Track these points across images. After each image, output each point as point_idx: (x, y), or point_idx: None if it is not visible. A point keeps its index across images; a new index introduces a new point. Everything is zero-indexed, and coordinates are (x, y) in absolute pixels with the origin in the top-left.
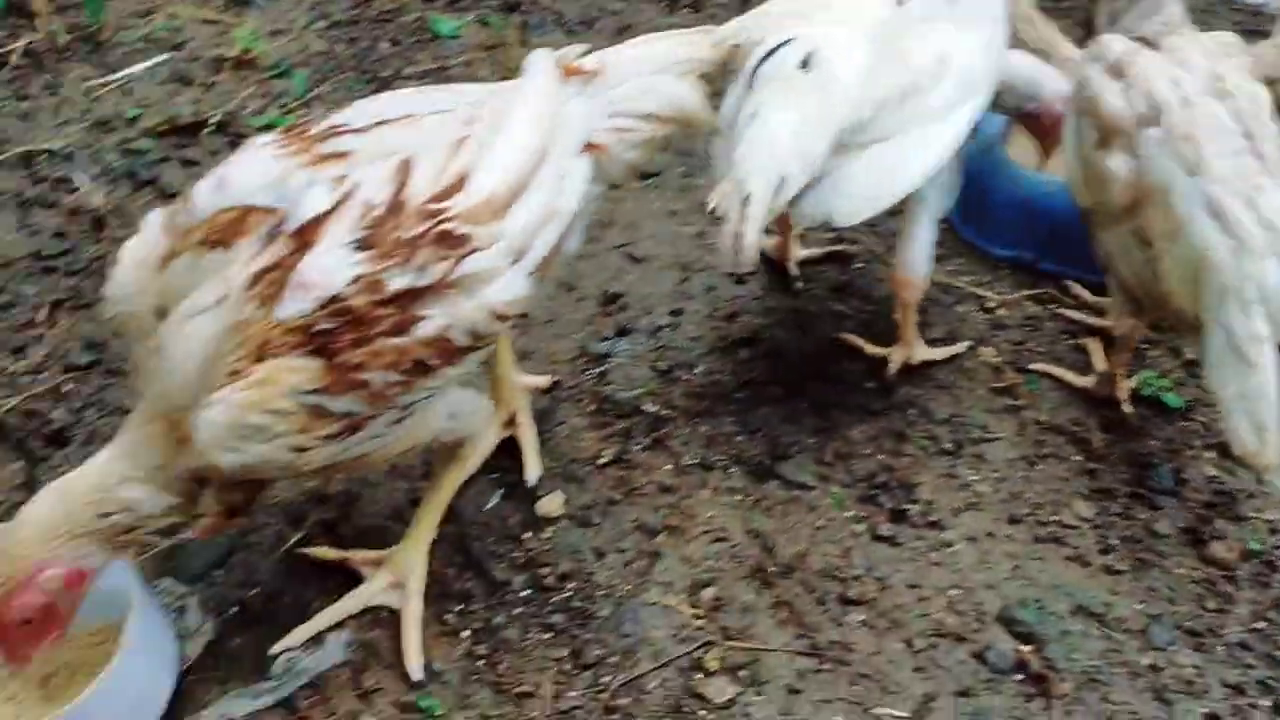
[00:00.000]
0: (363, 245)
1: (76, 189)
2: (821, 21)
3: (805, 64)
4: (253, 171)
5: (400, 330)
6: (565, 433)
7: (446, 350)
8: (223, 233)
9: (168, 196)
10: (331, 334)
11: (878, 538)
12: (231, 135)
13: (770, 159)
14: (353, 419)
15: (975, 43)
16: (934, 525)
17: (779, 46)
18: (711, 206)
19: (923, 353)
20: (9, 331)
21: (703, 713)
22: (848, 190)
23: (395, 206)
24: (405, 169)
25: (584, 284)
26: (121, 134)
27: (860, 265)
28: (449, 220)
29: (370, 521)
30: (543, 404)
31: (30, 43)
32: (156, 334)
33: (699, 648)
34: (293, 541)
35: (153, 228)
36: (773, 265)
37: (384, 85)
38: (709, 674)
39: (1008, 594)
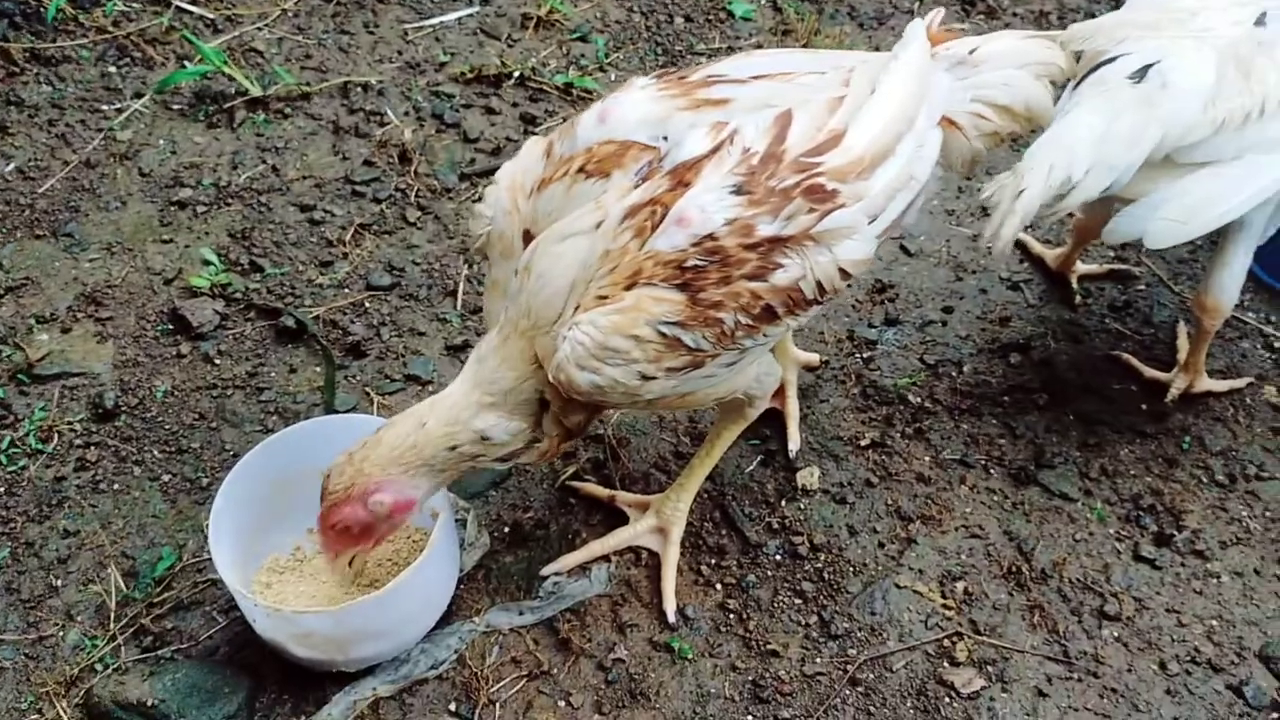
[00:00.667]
0: (739, 190)
1: (387, 122)
2: (1173, 35)
3: (1139, 76)
4: (635, 109)
5: (759, 275)
6: (827, 411)
7: (794, 300)
8: (601, 164)
9: (469, 140)
10: (700, 271)
11: (1139, 558)
12: (531, 89)
13: (1058, 159)
14: (698, 355)
15: None
16: (1199, 555)
17: (1119, 56)
18: (987, 194)
19: (1205, 383)
20: (318, 246)
21: (948, 700)
22: (1166, 213)
23: (773, 156)
24: (785, 120)
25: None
26: (430, 76)
27: (1143, 287)
28: (820, 174)
29: (636, 466)
30: (807, 381)
31: None
32: (523, 256)
33: (948, 637)
34: (566, 475)
35: (530, 153)
36: (1052, 276)
37: (675, 59)
38: (956, 664)
39: (1271, 633)
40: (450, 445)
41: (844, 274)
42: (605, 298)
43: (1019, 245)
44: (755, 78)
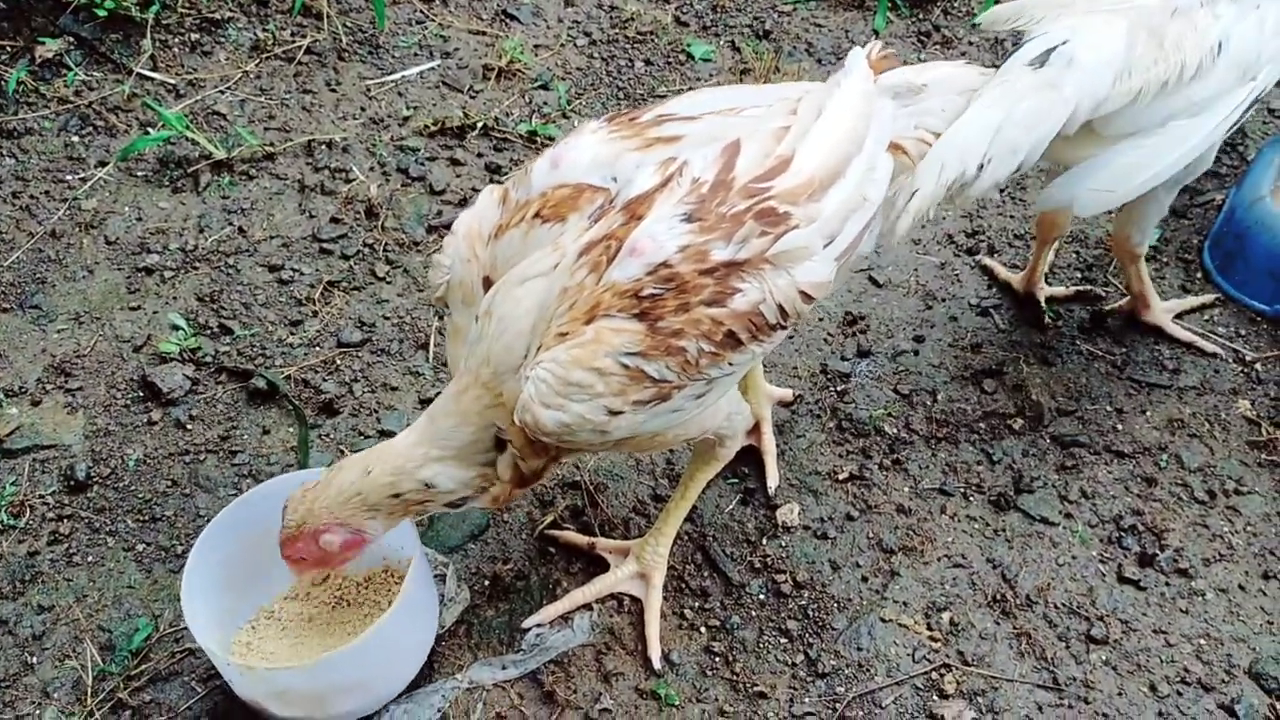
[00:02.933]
0: (690, 217)
1: (353, 179)
2: (1086, 10)
3: (1040, 62)
4: (586, 152)
5: (718, 300)
6: (804, 445)
7: (756, 324)
8: (556, 207)
9: (435, 192)
10: (657, 299)
11: (1123, 579)
12: (496, 139)
13: (949, 157)
14: (663, 387)
15: (1263, 24)
16: (1183, 573)
17: (1028, 41)
18: (890, 193)
19: (1162, 316)
20: (287, 305)
21: None
22: (1093, 182)
23: (722, 184)
24: (733, 149)
25: (827, 303)
26: (394, 131)
27: (1112, 307)
28: (771, 198)
29: (615, 511)
30: (783, 416)
31: (314, 42)
32: (482, 301)
33: (935, 669)
34: (545, 524)
35: (486, 201)
36: (1020, 300)
37: (636, 102)
38: (945, 696)
39: (1259, 649)
40: (393, 493)
41: (805, 297)
42: (566, 334)
43: (986, 271)
44: (704, 114)
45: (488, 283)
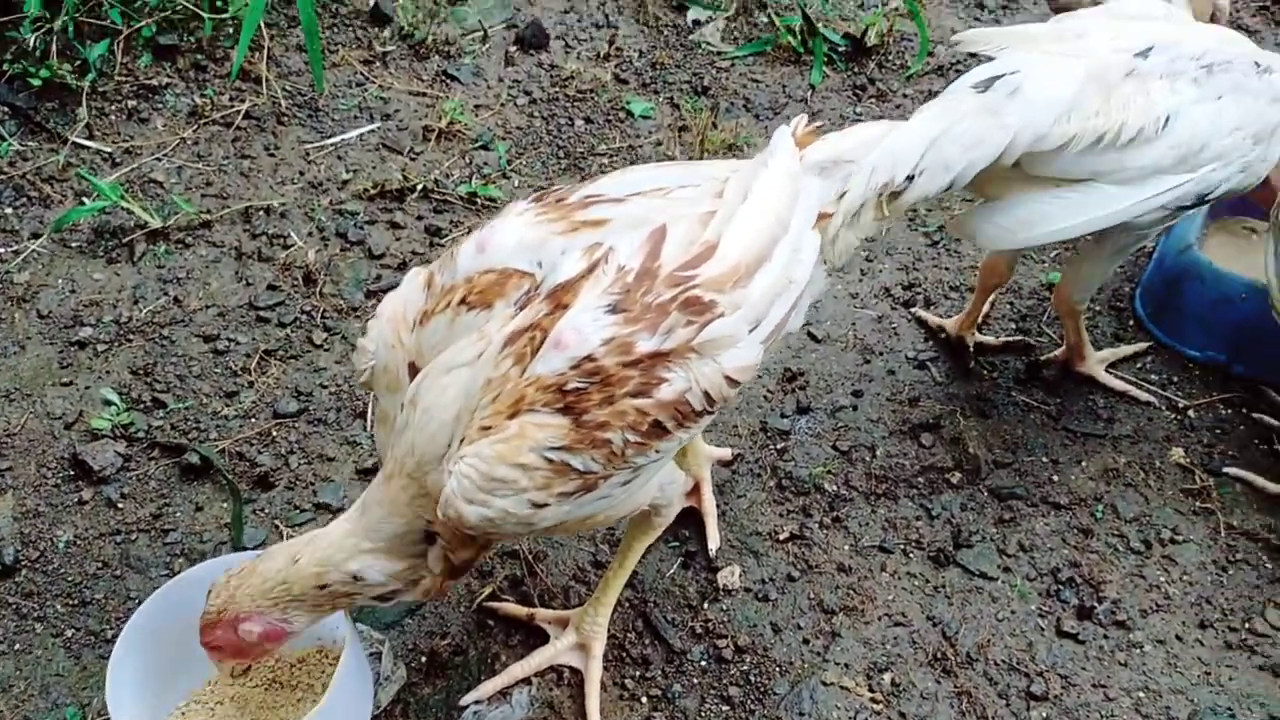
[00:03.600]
0: (615, 308)
1: (291, 244)
2: (1049, 51)
3: (984, 86)
4: (512, 235)
5: (643, 392)
6: (745, 505)
7: (682, 413)
8: (483, 294)
9: (375, 257)
10: (581, 393)
11: (1063, 634)
12: (436, 201)
13: (881, 163)
14: (589, 478)
15: (1219, 116)
16: (1121, 625)
17: (983, 64)
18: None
19: (1093, 364)
20: (222, 376)
21: None
22: (999, 219)
23: (648, 272)
24: (659, 236)
25: (766, 360)
26: (333, 195)
27: (1047, 357)
28: (696, 286)
29: (555, 580)
30: (722, 476)
31: (253, 106)
32: (408, 389)
33: None
34: (483, 596)
35: (411, 284)
36: (953, 348)
37: (578, 160)
38: None
39: (1197, 700)
40: (320, 584)
41: (731, 382)
42: (489, 428)
43: (920, 322)
44: (632, 195)
45: (413, 369)
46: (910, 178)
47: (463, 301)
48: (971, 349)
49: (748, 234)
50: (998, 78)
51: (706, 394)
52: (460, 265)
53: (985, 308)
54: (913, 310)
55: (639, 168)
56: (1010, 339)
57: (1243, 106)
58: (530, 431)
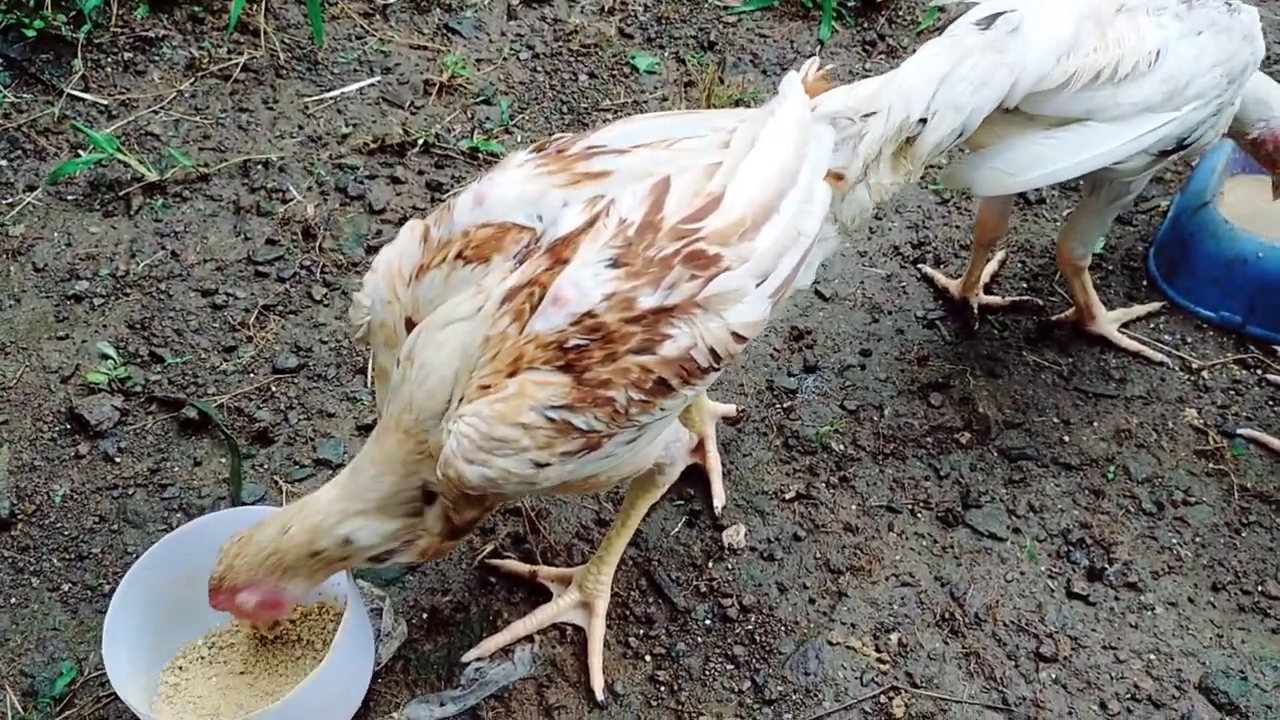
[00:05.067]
0: (616, 262)
1: (290, 199)
2: None
3: (987, 23)
4: (512, 189)
5: (646, 348)
6: (750, 464)
7: (687, 370)
8: (480, 248)
9: (375, 211)
10: (582, 350)
11: (1072, 595)
12: (437, 156)
13: (895, 101)
14: (592, 437)
15: (1200, 52)
16: (1132, 587)
17: (975, 5)
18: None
19: (1103, 324)
20: (221, 331)
21: None
22: (996, 163)
23: (650, 225)
24: (662, 188)
25: (773, 317)
26: (332, 149)
27: (1058, 317)
28: (700, 240)
29: (558, 537)
30: (728, 434)
31: (251, 59)
32: (404, 344)
33: (884, 692)
34: (485, 553)
35: (407, 238)
36: (957, 308)
37: (581, 116)
38: None
39: (1209, 663)
40: (312, 552)
41: (738, 338)
42: (488, 387)
43: (927, 280)
44: (635, 146)
45: (410, 324)
46: (923, 120)
47: (459, 256)
48: (976, 310)
49: (754, 185)
50: (999, 15)
51: (712, 351)
52: (457, 219)
53: (993, 267)
54: (920, 267)
55: (642, 117)
56: (1018, 298)
57: (1218, 44)
58: (530, 390)
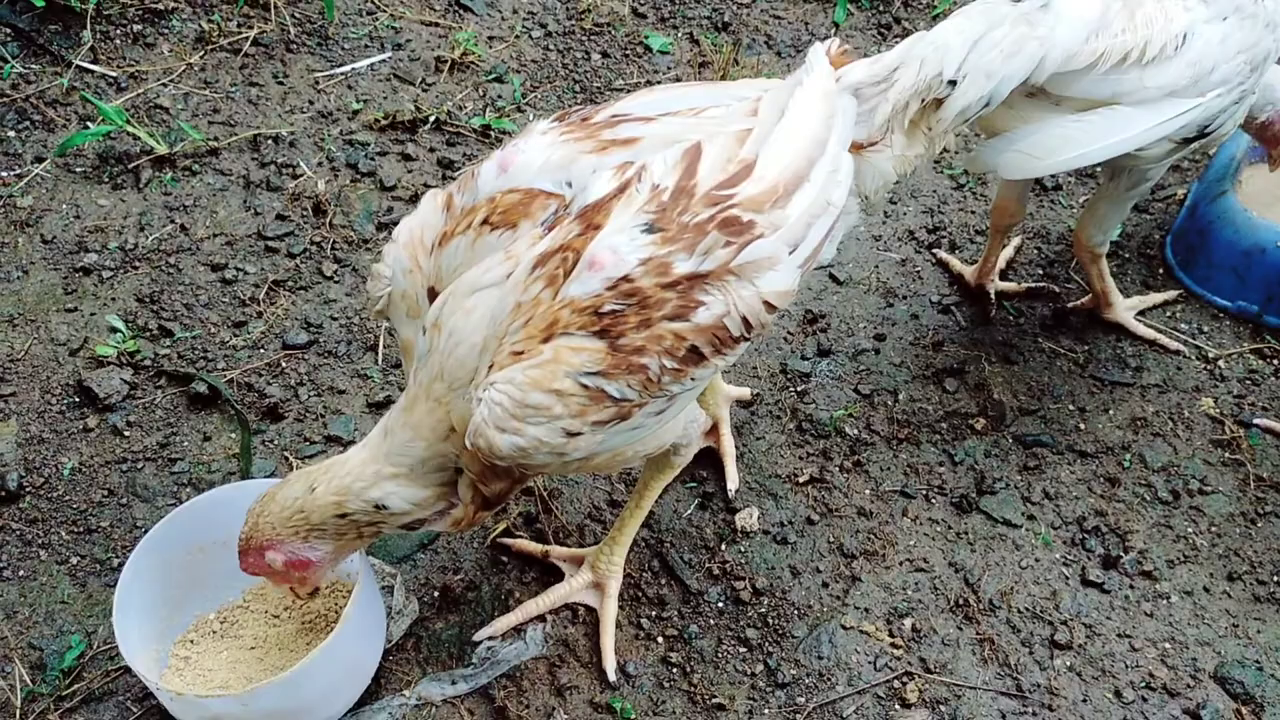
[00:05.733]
0: (651, 228)
1: (300, 174)
2: None
3: None
4: (537, 155)
5: (680, 315)
6: (764, 448)
7: (720, 338)
8: (506, 214)
9: (386, 188)
10: (618, 315)
11: (1087, 583)
12: (448, 133)
13: (929, 54)
14: (624, 406)
15: (1226, 38)
16: (1147, 575)
17: None
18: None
19: (1120, 311)
20: (230, 306)
21: None
22: (1022, 146)
23: (683, 190)
24: (695, 154)
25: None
26: (343, 125)
27: (1074, 304)
28: (735, 206)
29: (570, 518)
30: (742, 417)
31: (261, 33)
32: (429, 312)
33: (897, 677)
34: (497, 532)
35: (429, 207)
36: (972, 294)
37: (593, 96)
38: (908, 705)
39: (1224, 652)
40: (339, 513)
41: (769, 307)
42: (521, 353)
43: (941, 264)
44: (661, 115)
45: (433, 293)
46: (953, 82)
47: (485, 221)
48: (993, 297)
49: (786, 153)
50: None
51: (745, 319)
52: (481, 186)
53: (1009, 253)
54: (934, 251)
55: (663, 87)
56: (1034, 285)
57: (1244, 30)
58: (565, 356)
